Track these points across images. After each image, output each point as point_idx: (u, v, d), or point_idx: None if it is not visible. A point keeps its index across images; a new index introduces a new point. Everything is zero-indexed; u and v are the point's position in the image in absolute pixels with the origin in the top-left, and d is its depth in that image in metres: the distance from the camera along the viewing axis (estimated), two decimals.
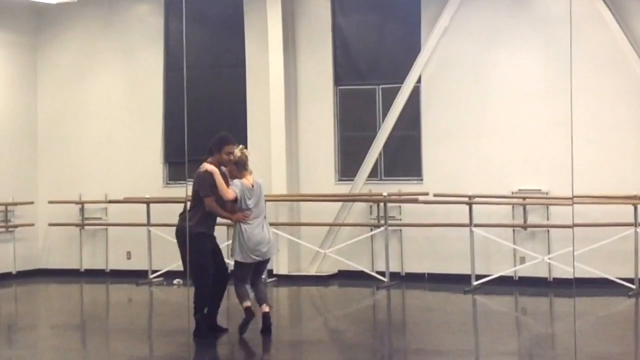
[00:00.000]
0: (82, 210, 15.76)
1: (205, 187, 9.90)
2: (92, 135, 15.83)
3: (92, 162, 15.79)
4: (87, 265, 15.78)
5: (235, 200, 9.83)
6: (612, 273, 12.80)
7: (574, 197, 11.51)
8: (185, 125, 11.15)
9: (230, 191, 9.83)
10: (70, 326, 11.67)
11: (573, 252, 11.05)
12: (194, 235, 9.78)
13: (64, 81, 16.02)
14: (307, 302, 13.83)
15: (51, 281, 15.44)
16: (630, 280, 12.76)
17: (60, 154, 15.98)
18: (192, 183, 10.17)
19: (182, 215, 10.24)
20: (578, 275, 12.14)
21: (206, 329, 9.85)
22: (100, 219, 15.78)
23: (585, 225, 12.58)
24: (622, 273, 12.83)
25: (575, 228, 12.51)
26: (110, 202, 15.43)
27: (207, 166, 9.91)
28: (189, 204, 10.16)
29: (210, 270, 9.91)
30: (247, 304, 9.87)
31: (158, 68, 15.53)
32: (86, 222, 15.78)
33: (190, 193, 10.27)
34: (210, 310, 10.06)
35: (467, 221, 13.41)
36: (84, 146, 15.86)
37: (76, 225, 15.78)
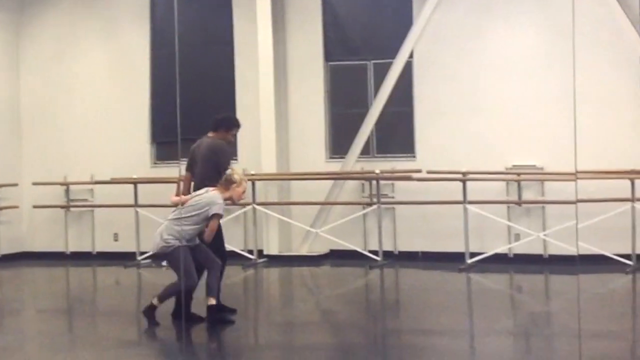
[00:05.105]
0: (67, 191, 15.53)
1: (227, 160, 9.84)
2: (77, 115, 15.59)
3: (77, 143, 15.54)
4: (73, 247, 15.55)
5: None
6: (609, 250, 12.65)
7: (577, 172, 11.33)
8: (177, 104, 10.97)
9: None
10: (57, 310, 11.49)
11: (577, 228, 10.87)
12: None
13: (48, 60, 15.74)
14: (299, 282, 13.69)
15: (36, 264, 15.21)
16: (628, 257, 12.62)
17: (44, 134, 15.72)
18: (204, 154, 9.89)
19: None
20: (575, 252, 12.06)
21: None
22: (86, 200, 15.55)
23: (588, 201, 12.37)
24: (619, 249, 12.67)
25: (570, 204, 12.38)
26: (96, 183, 15.20)
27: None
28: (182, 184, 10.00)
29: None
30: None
31: (144, 46, 15.28)
32: (72, 203, 15.54)
33: (183, 172, 10.10)
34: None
35: (461, 198, 13.22)
36: (68, 126, 15.61)
37: (61, 207, 15.54)
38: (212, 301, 9.52)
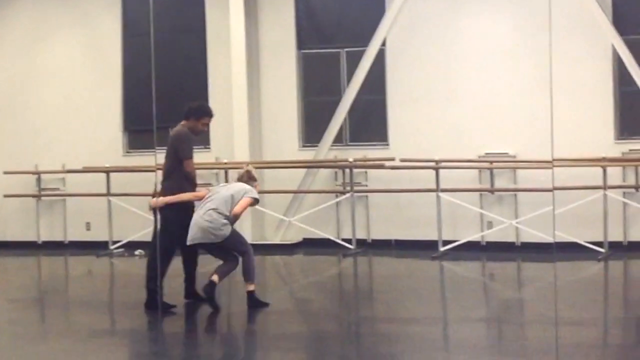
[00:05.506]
0: (38, 180, 15.41)
1: (186, 148, 9.76)
2: (49, 103, 15.47)
3: (48, 131, 15.43)
4: (45, 237, 15.46)
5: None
6: (581, 237, 12.71)
7: (553, 160, 11.37)
8: (153, 92, 10.89)
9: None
10: (29, 300, 11.41)
11: (554, 216, 10.87)
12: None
13: (18, 47, 15.61)
14: (272, 271, 13.64)
15: (8, 254, 15.09)
16: (600, 244, 12.68)
17: (15, 122, 15.60)
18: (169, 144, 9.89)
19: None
20: (548, 239, 12.09)
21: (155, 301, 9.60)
22: (58, 189, 15.45)
23: (564, 189, 12.41)
24: (591, 237, 12.74)
25: (542, 192, 12.43)
26: (68, 171, 15.09)
27: None
28: (160, 173, 9.94)
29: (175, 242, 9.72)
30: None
31: (116, 33, 15.18)
32: (43, 192, 15.43)
33: (160, 162, 10.05)
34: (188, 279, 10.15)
35: (434, 186, 13.24)
36: (40, 115, 15.49)
37: (33, 196, 15.42)
38: (216, 278, 9.65)
